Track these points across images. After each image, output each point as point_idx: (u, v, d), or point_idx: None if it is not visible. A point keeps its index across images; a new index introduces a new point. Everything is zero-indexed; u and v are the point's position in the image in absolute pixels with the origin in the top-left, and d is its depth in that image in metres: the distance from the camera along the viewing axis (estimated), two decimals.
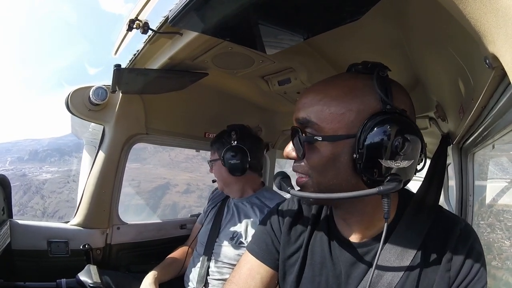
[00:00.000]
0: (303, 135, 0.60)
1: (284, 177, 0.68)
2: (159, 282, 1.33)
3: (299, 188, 0.65)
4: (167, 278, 1.40)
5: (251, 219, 1.34)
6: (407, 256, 0.60)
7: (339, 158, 0.58)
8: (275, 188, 0.79)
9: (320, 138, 0.58)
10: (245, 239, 1.30)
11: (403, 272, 0.59)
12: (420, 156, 0.59)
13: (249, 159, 1.35)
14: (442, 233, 0.61)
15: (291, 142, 0.64)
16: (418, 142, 0.56)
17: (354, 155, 0.55)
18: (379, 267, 0.61)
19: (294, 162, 0.66)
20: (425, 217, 0.63)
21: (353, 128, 0.56)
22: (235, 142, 1.36)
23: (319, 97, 0.60)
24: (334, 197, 0.59)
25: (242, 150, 1.35)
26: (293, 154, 0.63)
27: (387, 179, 0.54)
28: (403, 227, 0.63)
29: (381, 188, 0.54)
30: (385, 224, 0.55)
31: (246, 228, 1.33)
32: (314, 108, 0.60)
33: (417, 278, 0.59)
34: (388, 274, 0.60)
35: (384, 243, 0.58)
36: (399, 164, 0.54)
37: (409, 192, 0.72)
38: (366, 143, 0.54)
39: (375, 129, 0.54)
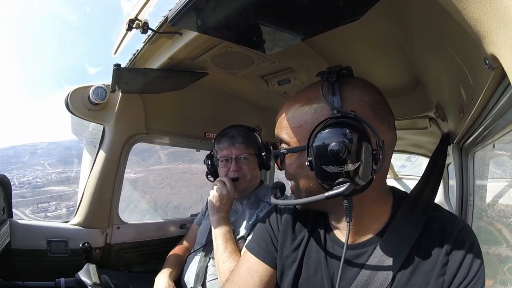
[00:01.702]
0: (276, 150, 0.69)
1: (276, 187, 0.78)
2: (174, 280, 1.33)
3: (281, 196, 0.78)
4: (177, 277, 1.40)
5: (248, 216, 1.34)
6: (399, 257, 0.60)
7: (303, 166, 0.62)
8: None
9: (285, 151, 0.66)
10: (242, 234, 1.30)
11: (395, 273, 0.59)
12: (375, 155, 0.56)
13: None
14: (439, 234, 0.60)
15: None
16: (364, 142, 0.54)
17: (307, 163, 0.59)
18: (371, 268, 0.61)
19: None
20: (419, 217, 0.63)
21: (305, 140, 0.61)
22: (260, 140, 1.45)
23: (285, 113, 0.67)
24: (294, 203, 0.67)
25: (269, 149, 1.45)
26: (277, 164, 0.73)
27: (336, 184, 0.56)
28: (396, 227, 0.63)
29: (329, 193, 0.56)
30: (348, 226, 0.58)
31: (243, 224, 1.33)
32: (283, 125, 0.67)
33: (408, 279, 0.58)
34: (380, 274, 0.60)
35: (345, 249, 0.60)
36: (343, 168, 0.54)
37: (404, 192, 0.72)
38: (313, 152, 0.57)
39: (317, 137, 0.57)
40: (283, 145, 0.68)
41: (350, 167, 0.54)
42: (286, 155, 0.67)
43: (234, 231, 1.30)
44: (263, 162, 1.44)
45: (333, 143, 0.54)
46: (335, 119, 0.57)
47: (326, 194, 0.56)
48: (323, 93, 0.59)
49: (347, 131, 0.55)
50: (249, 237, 1.20)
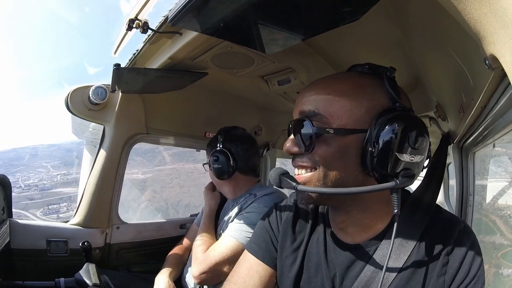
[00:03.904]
0: (314, 127, 0.58)
1: (284, 173, 0.64)
2: (173, 280, 1.35)
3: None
4: (177, 277, 1.41)
5: (243, 214, 1.34)
6: (402, 255, 0.60)
7: (347, 152, 0.58)
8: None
9: (332, 131, 0.57)
10: (225, 226, 1.33)
11: (398, 271, 0.59)
12: (428, 153, 0.60)
13: (235, 162, 1.36)
14: (440, 234, 0.60)
15: (291, 137, 0.63)
16: (427, 139, 0.57)
17: (370, 149, 0.55)
18: (373, 268, 0.61)
19: (295, 157, 0.64)
20: (421, 217, 0.63)
21: (362, 124, 0.57)
22: (220, 145, 1.38)
23: (326, 91, 0.61)
24: (345, 191, 0.57)
25: (224, 154, 1.35)
26: (295, 148, 0.62)
27: (400, 174, 0.55)
28: (399, 226, 0.63)
29: (398, 181, 0.54)
30: (396, 219, 0.56)
31: (227, 218, 1.37)
32: (322, 101, 0.60)
33: (409, 279, 0.58)
34: (382, 274, 0.60)
35: (394, 238, 0.57)
36: (413, 159, 0.55)
37: (407, 191, 0.72)
38: (382, 137, 0.54)
39: (392, 123, 0.54)
40: (314, 123, 0.59)
41: (418, 158, 0.56)
42: (327, 135, 0.58)
43: (218, 225, 1.43)
44: (214, 170, 1.38)
45: (413, 132, 0.54)
46: (406, 112, 0.57)
47: (397, 181, 0.54)
48: (388, 84, 0.58)
49: (419, 125, 0.56)
50: (231, 226, 1.25)
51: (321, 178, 0.60)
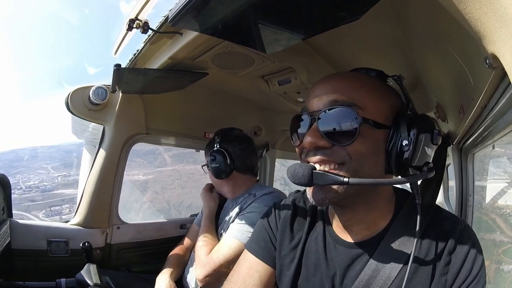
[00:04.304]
0: (360, 116, 0.55)
1: (314, 168, 0.58)
2: (174, 280, 1.35)
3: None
4: (178, 277, 1.42)
5: (244, 214, 1.34)
6: (402, 256, 0.60)
7: (378, 146, 0.59)
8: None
9: (372, 123, 0.56)
10: (226, 225, 1.34)
11: (397, 272, 0.59)
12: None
13: (232, 161, 1.38)
14: (440, 234, 0.60)
15: (312, 129, 0.59)
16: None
17: (405, 142, 0.57)
18: (374, 266, 0.61)
19: (315, 152, 0.59)
20: (422, 216, 0.63)
21: (388, 120, 0.59)
22: (217, 146, 1.40)
23: (358, 84, 0.60)
24: (391, 182, 0.62)
25: (221, 153, 1.37)
26: (323, 141, 0.57)
27: (425, 166, 0.59)
28: (399, 226, 0.63)
29: (426, 172, 0.58)
30: (419, 209, 0.58)
31: (227, 218, 1.36)
32: (357, 93, 0.58)
33: (411, 278, 0.58)
34: (382, 273, 0.60)
35: (418, 233, 0.59)
36: (432, 153, 0.60)
37: (407, 192, 0.72)
38: (413, 133, 0.57)
39: (421, 122, 0.58)
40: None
41: (432, 153, 0.61)
42: (366, 127, 0.56)
43: (219, 225, 1.43)
44: (212, 170, 1.41)
45: (435, 129, 0.58)
46: (415, 113, 0.62)
47: (426, 172, 0.58)
48: (404, 91, 0.64)
49: (434, 123, 0.60)
50: (233, 226, 1.26)
51: (351, 172, 0.57)
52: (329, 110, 0.57)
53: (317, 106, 0.60)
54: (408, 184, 0.62)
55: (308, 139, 0.58)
